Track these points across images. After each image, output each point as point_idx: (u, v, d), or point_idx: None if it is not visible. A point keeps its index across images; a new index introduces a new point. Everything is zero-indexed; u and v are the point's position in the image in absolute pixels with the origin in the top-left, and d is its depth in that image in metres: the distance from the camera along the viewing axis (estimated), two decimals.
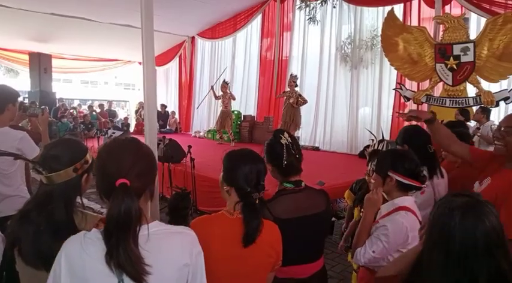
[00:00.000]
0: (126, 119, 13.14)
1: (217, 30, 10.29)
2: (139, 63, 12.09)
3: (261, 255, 1.33)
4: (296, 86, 7.48)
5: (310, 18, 7.70)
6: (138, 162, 0.98)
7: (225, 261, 1.28)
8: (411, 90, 6.01)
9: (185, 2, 8.36)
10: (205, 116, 11.31)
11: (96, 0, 7.88)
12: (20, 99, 2.65)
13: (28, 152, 2.21)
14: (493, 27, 5.10)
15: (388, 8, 6.39)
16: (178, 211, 2.87)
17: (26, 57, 11.28)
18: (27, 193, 2.36)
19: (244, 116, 9.63)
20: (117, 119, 13.21)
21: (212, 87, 8.58)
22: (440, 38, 5.64)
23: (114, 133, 7.41)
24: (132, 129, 11.85)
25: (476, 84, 5.31)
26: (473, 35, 5.46)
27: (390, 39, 5.97)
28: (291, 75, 7.71)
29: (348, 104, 7.89)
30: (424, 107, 5.84)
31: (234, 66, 10.44)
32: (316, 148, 8.10)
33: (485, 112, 5.11)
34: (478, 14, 5.72)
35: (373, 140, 3.02)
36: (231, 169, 1.37)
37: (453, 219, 0.96)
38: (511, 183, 1.67)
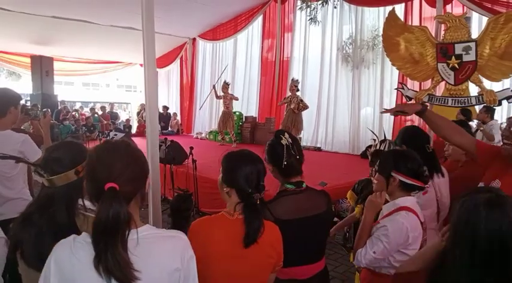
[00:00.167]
0: (128, 120, 13.17)
1: (218, 32, 10.30)
2: (141, 65, 12.11)
3: (261, 255, 1.32)
4: (297, 90, 7.48)
5: (311, 18, 7.69)
6: (128, 165, 0.96)
7: (226, 262, 1.28)
8: (413, 90, 5.99)
9: (186, 4, 8.37)
10: (206, 117, 11.31)
11: (97, 3, 7.91)
12: (22, 102, 2.66)
13: (30, 155, 2.21)
14: (495, 26, 5.08)
15: (389, 8, 6.37)
16: (180, 213, 2.85)
17: (28, 60, 11.32)
18: (29, 196, 2.37)
19: (245, 117, 9.63)
20: (119, 121, 13.24)
21: (214, 87, 8.57)
22: (441, 38, 5.62)
23: (116, 135, 7.42)
24: (134, 131, 11.87)
25: (479, 83, 5.29)
26: (475, 34, 5.44)
27: (391, 39, 5.95)
28: (292, 79, 7.72)
29: (349, 104, 7.87)
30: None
31: (235, 68, 10.44)
32: (318, 149, 8.08)
33: (489, 112, 5.09)
34: (479, 13, 5.70)
35: (375, 140, 3.02)
36: (230, 170, 1.36)
37: (479, 216, 0.95)
38: None
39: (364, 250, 1.59)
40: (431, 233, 1.84)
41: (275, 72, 9.06)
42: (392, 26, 5.94)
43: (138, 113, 12.57)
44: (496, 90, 5.22)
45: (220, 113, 8.62)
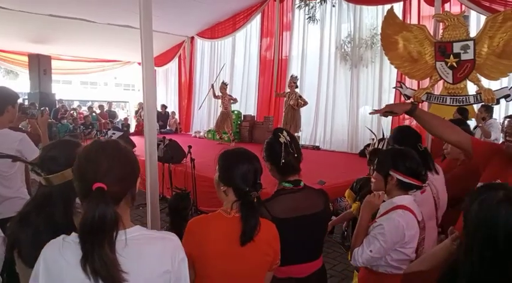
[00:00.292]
0: (126, 119, 13.14)
1: (217, 30, 10.27)
2: (139, 63, 12.09)
3: (258, 253, 1.33)
4: (296, 87, 7.47)
5: (310, 17, 7.70)
6: (117, 165, 0.95)
7: (223, 260, 1.28)
8: (411, 89, 5.99)
9: (184, 3, 8.35)
10: (205, 116, 11.31)
11: (94, 1, 7.87)
12: (20, 100, 2.65)
13: (28, 154, 2.20)
14: (493, 24, 5.08)
15: (387, 7, 6.36)
16: (178, 212, 2.86)
17: (25, 58, 11.28)
18: (27, 195, 2.36)
19: (244, 115, 9.63)
20: (117, 120, 13.21)
21: (212, 86, 8.57)
22: (440, 36, 5.62)
23: (114, 134, 7.41)
24: (132, 129, 11.85)
25: (477, 82, 5.29)
26: (473, 33, 5.44)
27: (390, 38, 5.94)
28: (292, 76, 7.69)
29: (348, 102, 7.88)
30: (425, 105, 5.83)
31: (233, 66, 10.43)
32: (317, 148, 8.09)
33: (489, 111, 5.09)
34: (477, 12, 5.71)
35: (373, 139, 3.02)
36: (227, 169, 1.36)
37: (499, 213, 0.94)
38: None
39: (361, 249, 1.60)
40: (430, 231, 1.84)
41: (273, 71, 9.06)
42: (391, 25, 5.93)
43: (137, 112, 12.55)
44: (494, 88, 5.23)
45: (219, 113, 8.61)
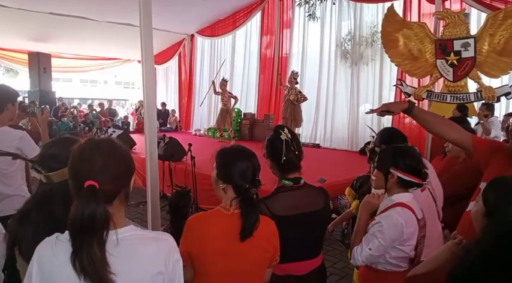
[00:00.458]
0: (126, 117, 13.14)
1: (217, 28, 10.25)
2: (139, 61, 12.05)
3: (258, 250, 1.33)
4: (296, 82, 7.45)
5: (310, 15, 7.67)
6: (111, 163, 0.94)
7: (222, 257, 1.28)
8: (412, 86, 5.99)
9: (184, 0, 8.33)
10: (205, 114, 11.30)
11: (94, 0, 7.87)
12: (20, 98, 2.65)
13: (28, 152, 2.20)
14: (494, 22, 5.07)
15: (387, 4, 6.35)
16: (178, 210, 2.87)
17: (25, 56, 11.27)
18: (27, 193, 2.36)
19: (244, 113, 9.61)
20: (117, 118, 13.21)
21: (213, 82, 8.55)
22: (440, 34, 5.61)
23: (114, 132, 7.42)
24: (131, 127, 11.85)
25: (477, 80, 5.28)
26: (473, 31, 5.43)
27: (390, 36, 5.93)
28: (292, 71, 7.66)
29: (348, 100, 7.87)
30: (425, 103, 5.82)
31: (233, 64, 10.42)
32: (317, 146, 8.09)
33: (490, 109, 5.09)
34: (478, 9, 5.69)
35: (373, 137, 3.02)
36: (226, 166, 1.36)
37: None
38: None
39: (360, 248, 1.59)
40: (432, 226, 1.83)
41: (274, 69, 9.04)
42: (391, 22, 5.92)
43: (137, 110, 12.55)
44: (494, 86, 5.22)
45: (219, 110, 8.60)
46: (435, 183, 2.15)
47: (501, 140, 4.86)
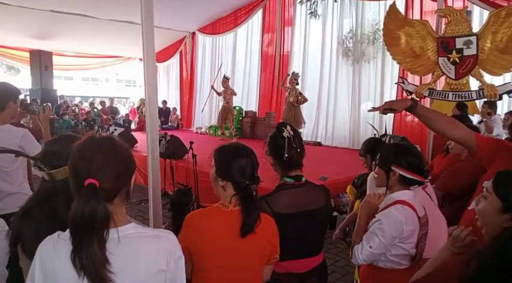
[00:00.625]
0: (127, 115, 13.14)
1: (218, 26, 10.24)
2: (140, 59, 12.07)
3: (256, 247, 1.33)
4: (297, 84, 7.44)
5: (312, 12, 7.65)
6: (111, 161, 0.93)
7: (220, 253, 1.29)
8: (413, 84, 5.97)
9: None
10: (206, 113, 11.30)
11: None
12: (22, 96, 2.65)
13: (30, 149, 2.20)
14: (496, 19, 5.05)
15: (389, 2, 6.32)
16: (180, 207, 2.88)
17: (27, 54, 11.27)
18: (29, 191, 2.36)
19: (245, 111, 9.62)
20: (119, 116, 13.22)
21: (212, 87, 8.59)
22: (442, 32, 5.59)
23: (115, 130, 7.42)
24: (132, 125, 11.85)
25: (479, 78, 5.27)
26: (476, 28, 5.40)
27: (392, 33, 5.91)
28: (293, 73, 7.66)
29: (350, 98, 7.86)
30: (427, 101, 5.81)
31: (235, 62, 10.40)
32: (318, 144, 8.08)
33: (492, 106, 5.07)
34: (480, 7, 5.66)
35: (375, 135, 3.02)
36: (226, 163, 1.36)
37: None
38: None
39: (361, 246, 1.59)
40: (436, 221, 1.82)
41: (275, 67, 9.03)
42: (393, 20, 5.90)
43: (138, 108, 12.55)
44: (496, 84, 5.20)
45: (220, 108, 8.60)
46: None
47: (503, 138, 4.85)
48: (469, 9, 5.61)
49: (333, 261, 3.58)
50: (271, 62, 9.20)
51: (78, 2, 8.06)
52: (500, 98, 5.16)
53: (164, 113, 11.75)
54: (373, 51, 7.53)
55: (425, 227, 1.64)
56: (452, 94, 5.48)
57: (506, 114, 4.73)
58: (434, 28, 5.67)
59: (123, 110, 16.11)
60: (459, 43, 5.31)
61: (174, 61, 12.48)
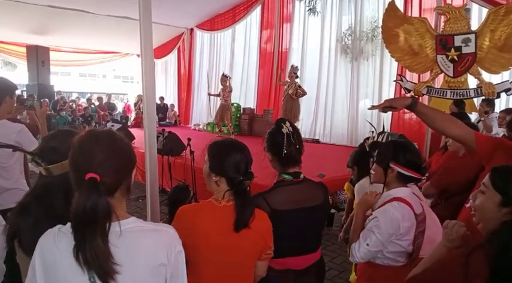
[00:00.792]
0: (125, 111, 13.10)
1: (216, 22, 10.19)
2: (138, 55, 11.99)
3: (248, 243, 1.33)
4: (297, 77, 7.42)
5: (310, 9, 7.64)
6: (111, 155, 0.93)
7: (213, 249, 1.29)
8: (412, 82, 5.98)
9: None
10: (204, 109, 11.27)
11: None
12: (18, 92, 2.63)
13: (26, 145, 2.19)
14: (495, 17, 5.05)
15: None
16: (177, 204, 2.86)
17: (24, 50, 11.20)
18: (26, 186, 2.36)
19: (243, 108, 9.59)
20: (116, 112, 13.18)
21: (209, 94, 8.64)
22: (441, 29, 5.59)
23: (112, 126, 7.40)
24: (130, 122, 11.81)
25: (477, 76, 5.28)
26: (474, 26, 5.41)
27: (391, 31, 5.91)
28: (292, 66, 7.62)
29: (348, 96, 7.86)
30: (425, 99, 5.82)
31: (233, 59, 10.37)
32: (316, 141, 8.08)
33: (490, 105, 5.09)
34: (479, 5, 5.66)
35: (373, 132, 3.02)
36: (220, 159, 1.36)
37: None
38: None
39: (358, 244, 1.60)
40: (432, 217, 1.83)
41: (273, 64, 9.00)
42: (392, 17, 5.90)
43: (135, 104, 12.51)
44: (495, 82, 5.21)
45: (218, 105, 8.58)
46: None
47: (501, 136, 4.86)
48: (468, 7, 5.61)
49: (331, 258, 3.60)
50: (269, 59, 9.18)
51: None
52: (498, 96, 5.18)
53: (162, 109, 11.71)
54: (371, 48, 7.52)
55: (423, 224, 1.65)
56: (451, 92, 5.49)
57: (501, 112, 4.73)
58: (433, 26, 5.68)
59: (120, 106, 16.07)
60: (458, 41, 5.31)
61: (172, 57, 12.42)
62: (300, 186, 1.59)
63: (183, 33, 11.53)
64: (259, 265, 1.42)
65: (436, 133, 2.98)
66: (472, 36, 5.21)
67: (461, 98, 5.33)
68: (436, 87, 5.72)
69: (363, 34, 7.60)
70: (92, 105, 11.89)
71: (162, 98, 12.17)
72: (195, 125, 10.98)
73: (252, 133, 9.02)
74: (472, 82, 5.44)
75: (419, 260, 1.42)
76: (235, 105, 9.27)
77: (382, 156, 1.68)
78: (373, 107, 1.84)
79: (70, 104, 11.66)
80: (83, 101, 14.18)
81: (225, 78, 8.13)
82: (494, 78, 5.42)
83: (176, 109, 12.28)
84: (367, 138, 3.07)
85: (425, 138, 5.86)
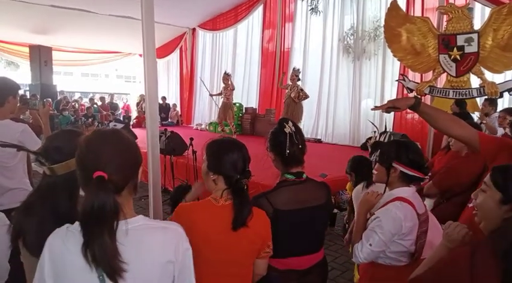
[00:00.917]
0: (126, 111, 13.12)
1: (218, 22, 10.20)
2: (140, 55, 12.04)
3: (245, 241, 1.33)
4: (299, 80, 7.42)
5: (312, 8, 7.63)
6: (118, 154, 0.95)
7: (212, 248, 1.29)
8: (414, 82, 5.96)
9: None
10: (206, 109, 11.28)
11: None
12: (21, 92, 2.64)
13: (30, 145, 2.19)
14: (498, 17, 5.03)
15: None
16: (179, 203, 2.87)
17: (27, 49, 11.22)
18: (29, 186, 2.36)
19: (245, 108, 9.60)
20: (119, 112, 13.21)
21: (211, 95, 8.66)
22: (443, 29, 5.57)
23: (115, 125, 7.42)
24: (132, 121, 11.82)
25: (480, 75, 5.25)
26: (477, 25, 5.38)
27: (393, 30, 5.89)
28: (294, 69, 7.63)
29: (350, 95, 7.85)
30: (428, 98, 5.80)
31: (235, 58, 10.37)
32: (319, 141, 8.08)
33: (493, 104, 5.06)
34: (482, 4, 5.64)
35: (375, 132, 3.03)
36: (217, 157, 1.37)
37: None
38: None
39: (360, 245, 1.59)
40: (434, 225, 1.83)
41: (275, 63, 9.00)
42: (394, 17, 5.88)
43: (138, 104, 12.53)
44: (497, 82, 5.19)
45: (220, 104, 8.59)
46: None
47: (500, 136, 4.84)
48: (470, 6, 5.59)
49: (333, 258, 3.60)
50: (271, 59, 9.18)
51: None
52: (501, 96, 5.15)
53: (164, 109, 11.74)
54: (374, 48, 7.51)
55: (425, 224, 1.64)
56: (453, 91, 5.47)
57: (501, 111, 4.69)
58: (435, 25, 5.65)
59: (120, 106, 16.11)
60: (460, 40, 5.29)
61: (174, 57, 12.44)
62: (303, 186, 1.59)
63: (185, 32, 11.55)
64: (258, 264, 1.42)
65: (439, 133, 2.98)
66: (474, 36, 5.18)
67: (464, 97, 5.30)
68: (438, 86, 5.70)
69: (365, 33, 7.58)
70: (95, 105, 11.92)
71: (164, 98, 12.19)
72: (197, 124, 10.99)
73: (254, 133, 9.03)
74: (474, 81, 5.41)
75: (422, 260, 1.42)
76: (237, 104, 9.27)
77: (384, 155, 1.68)
78: (376, 108, 1.83)
79: (73, 103, 11.69)
80: (85, 101, 14.21)
81: (226, 76, 8.13)
82: (497, 78, 5.39)
83: (178, 109, 12.30)
84: (369, 138, 3.08)
85: (428, 137, 5.84)
